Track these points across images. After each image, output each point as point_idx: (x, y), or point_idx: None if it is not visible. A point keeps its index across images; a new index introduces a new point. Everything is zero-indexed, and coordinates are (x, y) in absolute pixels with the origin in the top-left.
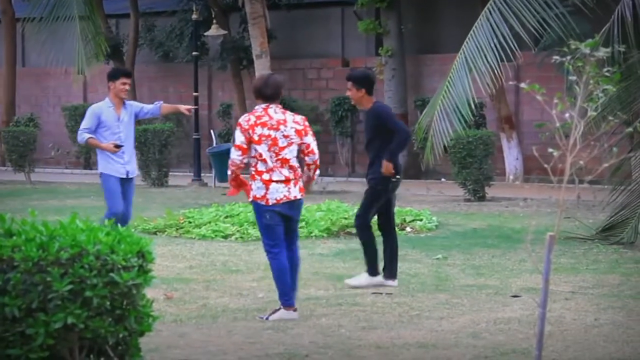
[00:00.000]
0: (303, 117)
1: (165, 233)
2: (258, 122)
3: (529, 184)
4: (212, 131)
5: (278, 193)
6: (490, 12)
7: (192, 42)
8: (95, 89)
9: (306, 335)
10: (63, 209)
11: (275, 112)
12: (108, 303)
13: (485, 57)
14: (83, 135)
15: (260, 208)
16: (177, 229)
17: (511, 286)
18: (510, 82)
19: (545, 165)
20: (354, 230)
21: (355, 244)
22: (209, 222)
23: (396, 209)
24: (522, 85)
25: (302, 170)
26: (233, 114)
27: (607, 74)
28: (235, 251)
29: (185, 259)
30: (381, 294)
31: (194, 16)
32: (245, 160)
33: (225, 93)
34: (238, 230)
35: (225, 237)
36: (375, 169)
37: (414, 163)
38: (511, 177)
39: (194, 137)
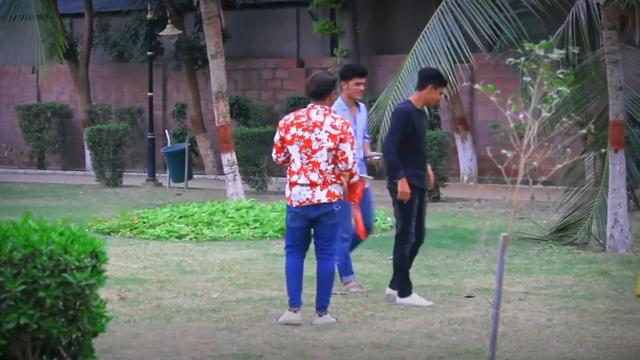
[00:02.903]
0: (346, 122)
1: (119, 233)
2: (295, 121)
3: (483, 185)
4: (166, 131)
5: (300, 196)
6: (442, 13)
7: (147, 42)
8: (49, 88)
9: (260, 336)
10: (16, 209)
11: (317, 113)
12: (61, 303)
13: (438, 59)
14: None
15: (287, 207)
16: (131, 229)
17: (465, 287)
18: (465, 83)
19: (499, 166)
20: None
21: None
22: (163, 223)
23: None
24: (477, 86)
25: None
26: (188, 114)
27: (561, 75)
28: (190, 251)
29: (139, 259)
30: (335, 294)
31: (149, 16)
32: (281, 158)
33: (180, 93)
34: (192, 231)
35: (180, 237)
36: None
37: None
38: (465, 177)
39: (148, 137)
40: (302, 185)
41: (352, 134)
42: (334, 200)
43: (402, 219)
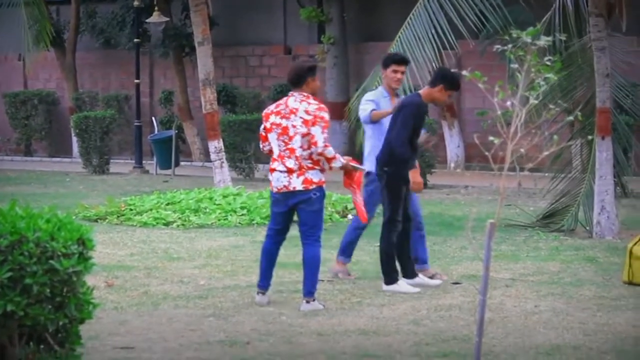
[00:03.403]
0: (320, 107)
1: (107, 220)
2: (274, 110)
3: (470, 172)
4: (153, 118)
5: (279, 182)
6: (427, 0)
7: (134, 29)
8: (36, 75)
9: (247, 323)
10: (2, 196)
11: (295, 100)
12: (48, 290)
13: (423, 46)
14: (366, 112)
15: (270, 191)
16: (118, 217)
17: (452, 273)
18: (452, 70)
19: (487, 153)
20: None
21: (295, 230)
22: (150, 210)
23: (338, 196)
24: (464, 73)
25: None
26: (175, 101)
27: (548, 62)
28: (177, 238)
29: (127, 246)
30: (322, 281)
31: (136, 3)
32: (267, 147)
33: (167, 80)
34: (179, 218)
35: (167, 224)
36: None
37: (355, 151)
38: (452, 164)
39: (135, 124)
40: (280, 172)
41: (325, 118)
42: (310, 188)
43: (390, 206)
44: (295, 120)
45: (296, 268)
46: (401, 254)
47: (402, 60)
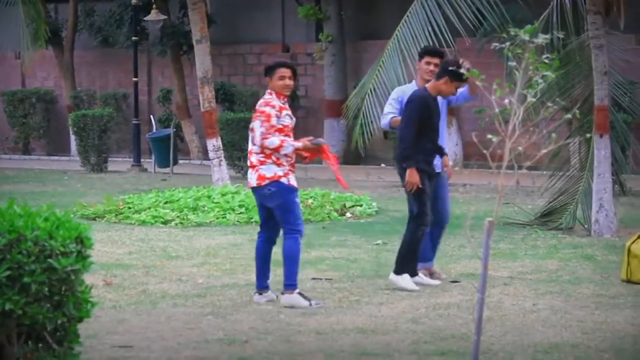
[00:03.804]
0: (265, 101)
1: (105, 219)
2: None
3: (468, 170)
4: (151, 116)
5: (250, 178)
6: None
7: (132, 27)
8: (34, 74)
9: (245, 321)
10: (1, 195)
11: (264, 98)
12: (46, 289)
13: (420, 44)
14: (386, 119)
15: None
16: (117, 215)
17: (450, 271)
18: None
19: (485, 151)
20: None
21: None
22: (149, 208)
23: (336, 195)
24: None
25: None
26: (173, 99)
27: (546, 60)
28: (175, 237)
29: (125, 244)
30: (321, 279)
31: (134, 1)
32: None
33: (165, 78)
34: (178, 216)
35: (165, 222)
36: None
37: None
38: (451, 163)
39: (133, 122)
40: (249, 168)
41: (265, 112)
42: (263, 184)
43: (417, 202)
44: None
45: (300, 267)
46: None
47: (435, 52)
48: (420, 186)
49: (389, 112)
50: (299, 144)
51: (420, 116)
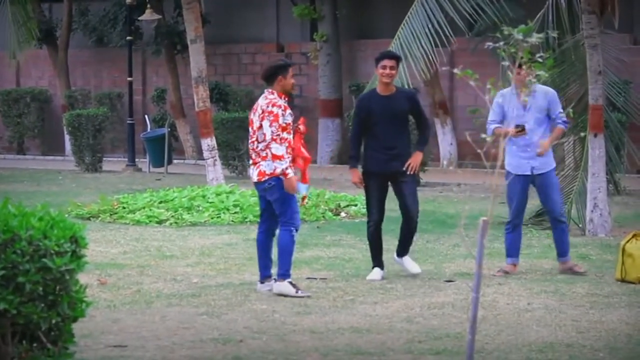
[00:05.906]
0: (272, 102)
1: (99, 218)
2: (254, 107)
3: (462, 169)
4: (146, 116)
5: (251, 174)
6: None
7: (126, 27)
8: (28, 73)
9: (240, 321)
10: None
11: (263, 97)
12: (41, 289)
13: (420, 42)
14: (489, 129)
15: None
16: (111, 215)
17: (445, 271)
18: (444, 68)
19: (479, 151)
20: None
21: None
22: (143, 208)
23: (331, 194)
24: (456, 70)
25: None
26: (167, 99)
27: (540, 59)
28: (170, 236)
29: (119, 244)
30: (315, 279)
31: (128, 0)
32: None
33: (160, 78)
34: (172, 216)
35: (160, 222)
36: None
37: (348, 149)
38: (445, 162)
39: (128, 122)
40: (251, 164)
41: (273, 112)
42: (262, 179)
43: (366, 202)
44: (256, 115)
45: (295, 266)
46: (402, 236)
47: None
48: (362, 185)
49: (491, 123)
50: (290, 174)
51: (358, 115)
